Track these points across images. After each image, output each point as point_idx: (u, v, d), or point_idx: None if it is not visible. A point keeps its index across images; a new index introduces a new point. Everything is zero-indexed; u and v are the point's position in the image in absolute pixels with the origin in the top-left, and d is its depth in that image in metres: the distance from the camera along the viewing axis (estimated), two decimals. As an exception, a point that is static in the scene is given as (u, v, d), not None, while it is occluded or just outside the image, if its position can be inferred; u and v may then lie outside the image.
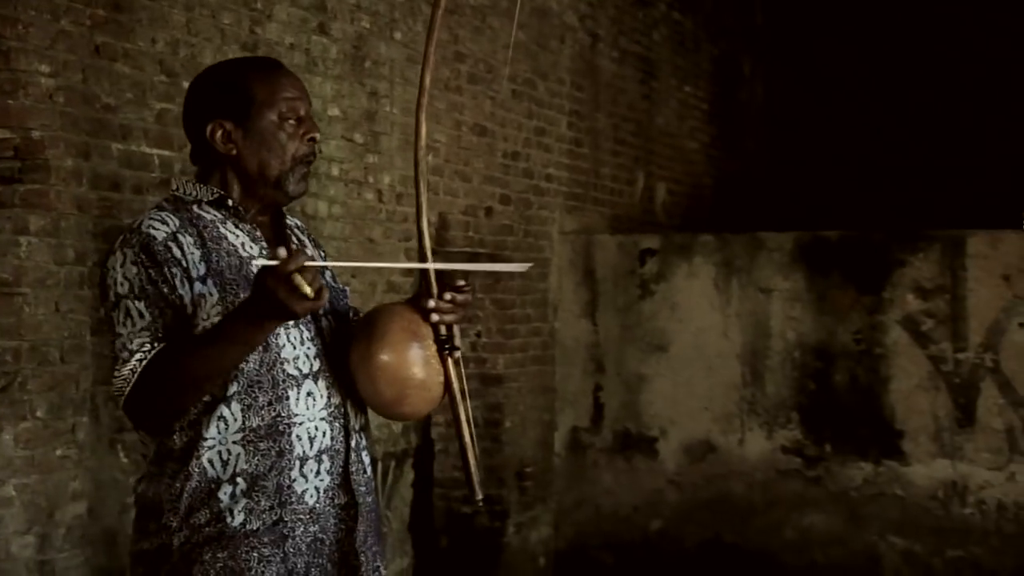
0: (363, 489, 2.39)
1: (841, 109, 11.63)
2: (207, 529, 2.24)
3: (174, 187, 2.39)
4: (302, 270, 2.00)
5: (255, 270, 2.10)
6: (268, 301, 2.04)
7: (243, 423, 2.25)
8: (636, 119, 7.78)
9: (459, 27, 5.72)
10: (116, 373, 2.20)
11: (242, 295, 2.22)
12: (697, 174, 8.82)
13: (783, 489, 6.34)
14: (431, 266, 2.34)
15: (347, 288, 2.58)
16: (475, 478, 2.40)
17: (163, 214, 2.30)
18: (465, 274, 2.79)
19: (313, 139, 2.38)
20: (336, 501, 2.35)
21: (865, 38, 11.90)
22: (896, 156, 12.03)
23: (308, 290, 2.00)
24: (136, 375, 2.17)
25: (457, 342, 2.35)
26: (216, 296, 2.24)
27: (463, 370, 2.38)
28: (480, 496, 2.42)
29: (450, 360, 2.35)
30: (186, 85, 3.99)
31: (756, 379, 6.41)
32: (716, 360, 6.47)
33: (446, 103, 5.64)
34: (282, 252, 2.01)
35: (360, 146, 5.05)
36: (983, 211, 11.14)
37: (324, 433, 2.33)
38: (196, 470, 2.23)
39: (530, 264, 2.33)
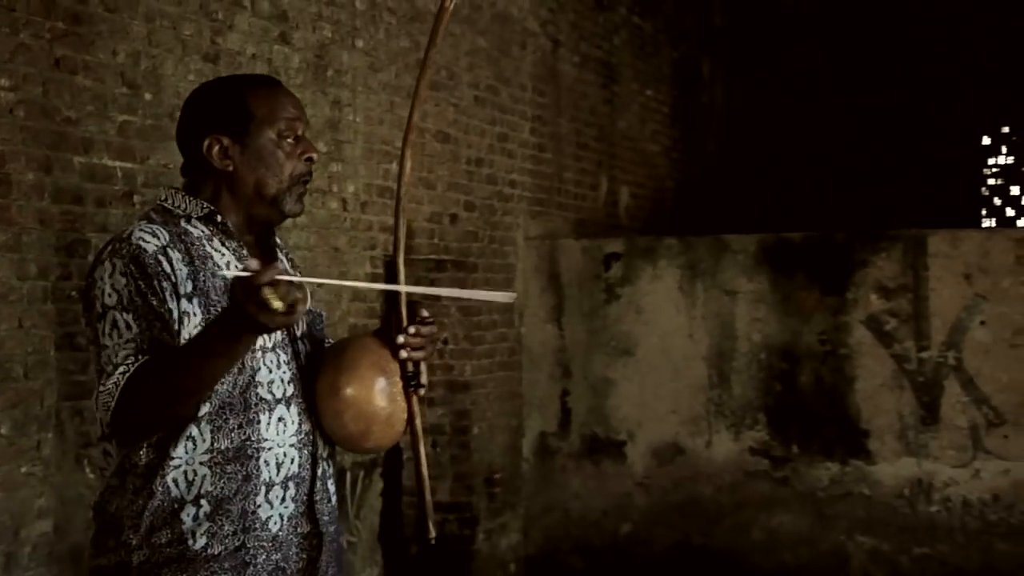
0: (326, 519, 2.36)
1: (801, 110, 11.70)
2: (168, 550, 2.21)
3: (162, 197, 2.35)
4: (274, 283, 1.94)
5: (228, 280, 2.05)
6: (240, 314, 1.98)
7: (211, 444, 2.22)
8: (598, 124, 7.80)
9: (421, 34, 5.70)
10: (101, 387, 2.16)
11: None
12: (660, 177, 8.85)
13: (751, 490, 6.36)
14: (403, 288, 2.32)
15: (323, 313, 2.55)
16: (430, 515, 2.42)
17: (153, 227, 2.26)
18: (430, 305, 2.73)
19: (311, 159, 2.36)
20: (299, 529, 2.32)
21: (824, 39, 11.99)
22: (857, 156, 12.12)
23: (278, 304, 1.93)
24: (119, 388, 2.12)
25: (423, 379, 2.34)
26: (200, 317, 2.20)
27: (425, 408, 2.38)
28: (434, 534, 2.43)
29: (414, 397, 2.33)
30: (148, 97, 4.00)
31: (723, 381, 6.43)
32: (682, 363, 6.49)
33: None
34: (253, 264, 1.95)
35: (324, 155, 5.03)
36: (943, 210, 11.24)
37: (292, 460, 2.30)
38: (159, 489, 2.20)
39: (514, 295, 2.30)
